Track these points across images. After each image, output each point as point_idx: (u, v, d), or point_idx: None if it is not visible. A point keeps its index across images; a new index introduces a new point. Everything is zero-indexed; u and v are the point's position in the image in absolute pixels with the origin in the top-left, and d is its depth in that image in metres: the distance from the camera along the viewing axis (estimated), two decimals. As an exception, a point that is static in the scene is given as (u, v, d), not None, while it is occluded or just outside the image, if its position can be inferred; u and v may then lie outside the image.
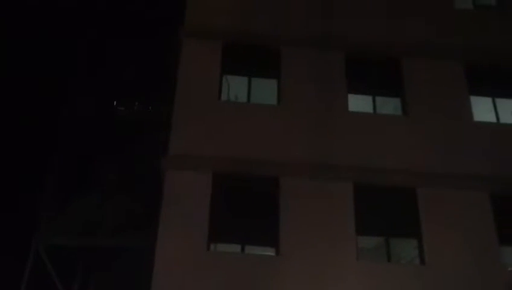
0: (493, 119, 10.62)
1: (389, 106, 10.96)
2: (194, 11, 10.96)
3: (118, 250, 11.70)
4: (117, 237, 11.10)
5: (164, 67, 12.42)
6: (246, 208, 9.20)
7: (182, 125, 9.76)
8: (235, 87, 10.66)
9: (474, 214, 9.40)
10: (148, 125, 12.27)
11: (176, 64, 10.57)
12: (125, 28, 13.93)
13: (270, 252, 9.05)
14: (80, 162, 12.22)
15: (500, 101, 10.87)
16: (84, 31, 14.12)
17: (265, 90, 10.60)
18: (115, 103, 13.26)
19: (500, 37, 11.32)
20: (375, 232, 9.41)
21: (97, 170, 11.94)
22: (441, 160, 9.85)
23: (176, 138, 9.63)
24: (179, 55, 10.58)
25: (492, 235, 9.22)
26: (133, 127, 12.35)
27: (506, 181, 9.67)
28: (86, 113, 12.81)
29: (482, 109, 10.71)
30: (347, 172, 9.57)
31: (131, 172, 11.64)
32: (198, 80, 10.22)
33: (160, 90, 12.47)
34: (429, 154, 9.90)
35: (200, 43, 10.54)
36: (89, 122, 12.68)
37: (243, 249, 8.97)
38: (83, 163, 12.19)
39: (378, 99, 10.67)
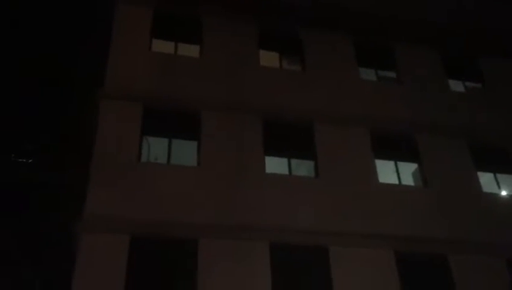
0: (395, 181, 11.58)
1: (303, 167, 11.60)
2: (114, 74, 10.97)
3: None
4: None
5: (76, 126, 11.89)
6: (164, 273, 9.08)
7: (98, 187, 9.54)
8: (156, 148, 10.77)
9: (380, 271, 10.01)
10: (54, 187, 11.52)
11: (93, 125, 10.48)
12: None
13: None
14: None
15: (401, 164, 11.92)
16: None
17: (186, 152, 10.79)
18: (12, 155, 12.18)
19: (399, 106, 12.56)
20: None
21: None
22: (349, 220, 10.45)
23: (91, 199, 9.37)
24: (97, 115, 10.54)
25: (397, 291, 9.83)
26: (37, 188, 11.46)
27: (408, 239, 10.47)
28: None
29: (386, 171, 11.67)
30: (263, 232, 9.85)
31: (34, 239, 10.78)
32: (117, 141, 10.14)
33: (72, 149, 11.90)
34: (338, 215, 10.48)
35: (120, 105, 10.56)
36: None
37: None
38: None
39: (293, 161, 11.27)
